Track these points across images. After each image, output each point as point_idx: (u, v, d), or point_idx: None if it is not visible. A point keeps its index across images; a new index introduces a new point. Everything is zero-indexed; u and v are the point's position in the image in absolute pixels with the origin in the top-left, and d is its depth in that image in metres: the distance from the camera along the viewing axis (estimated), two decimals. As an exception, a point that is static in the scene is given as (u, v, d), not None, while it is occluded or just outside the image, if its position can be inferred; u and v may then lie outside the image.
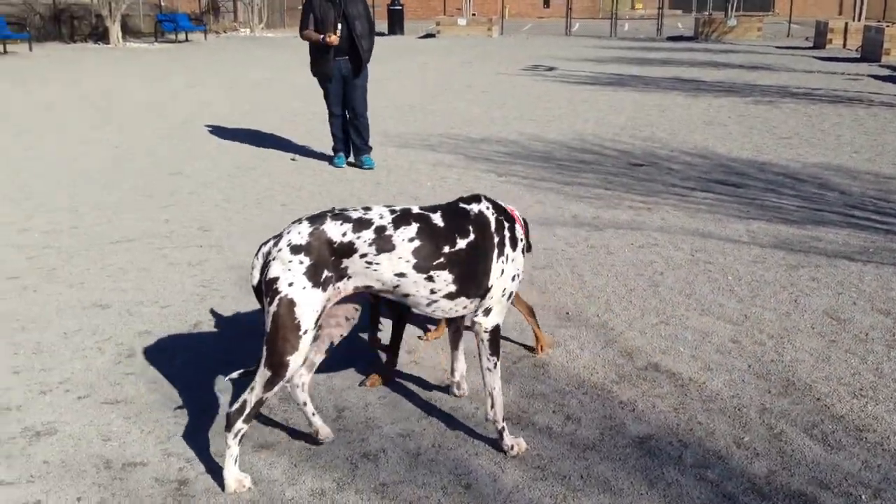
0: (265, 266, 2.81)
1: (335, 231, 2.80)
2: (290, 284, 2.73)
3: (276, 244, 2.81)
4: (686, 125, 10.81)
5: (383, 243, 2.83)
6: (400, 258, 2.85)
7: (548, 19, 45.77)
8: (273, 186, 7.38)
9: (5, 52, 20.77)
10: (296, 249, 2.76)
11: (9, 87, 14.17)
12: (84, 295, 4.67)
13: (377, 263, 2.83)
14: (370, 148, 8.34)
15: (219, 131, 10.15)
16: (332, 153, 8.44)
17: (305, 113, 11.76)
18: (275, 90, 14.62)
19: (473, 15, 35.02)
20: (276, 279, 2.75)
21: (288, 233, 2.81)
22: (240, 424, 2.81)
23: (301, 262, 2.75)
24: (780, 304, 4.59)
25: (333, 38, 7.66)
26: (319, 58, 7.96)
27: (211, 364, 3.80)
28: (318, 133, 10.00)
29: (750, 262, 5.28)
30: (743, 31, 29.69)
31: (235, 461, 2.85)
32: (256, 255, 2.87)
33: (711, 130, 10.39)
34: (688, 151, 9.02)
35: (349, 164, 8.34)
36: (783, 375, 3.72)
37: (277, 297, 2.74)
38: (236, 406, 2.83)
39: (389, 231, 2.85)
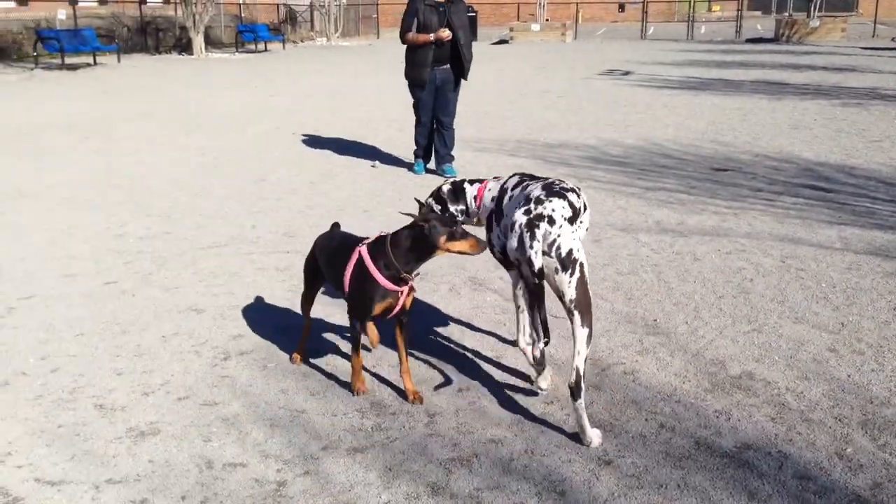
0: (553, 242, 3.11)
1: (575, 200, 3.32)
2: (579, 251, 3.16)
3: (550, 222, 3.13)
4: (770, 129, 10.55)
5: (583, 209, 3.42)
6: (582, 222, 3.40)
7: (622, 23, 45.29)
8: (355, 193, 7.49)
9: (95, 63, 21.59)
10: (570, 221, 3.19)
11: (101, 98, 14.73)
12: (179, 299, 4.82)
13: (582, 223, 3.40)
14: (453, 157, 8.36)
15: (300, 139, 10.35)
16: (412, 159, 8.50)
17: (384, 120, 11.90)
18: (352, 98, 14.84)
19: (547, 20, 34.90)
20: (571, 251, 3.12)
21: (553, 210, 3.16)
22: (582, 389, 3.11)
23: (573, 232, 3.19)
24: (879, 312, 4.44)
25: (447, 33, 7.60)
26: (416, 63, 7.90)
27: (301, 368, 3.88)
28: (397, 140, 10.11)
29: (844, 269, 5.13)
30: (826, 31, 28.85)
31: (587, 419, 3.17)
32: (534, 237, 3.10)
33: (797, 134, 10.12)
34: (773, 156, 8.80)
35: (429, 170, 8.40)
36: (885, 386, 3.59)
37: (578, 265, 3.13)
38: (573, 377, 3.11)
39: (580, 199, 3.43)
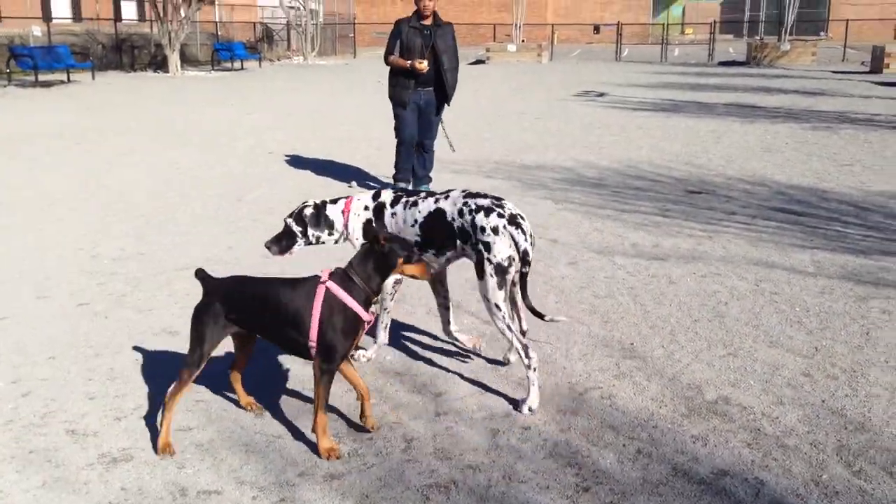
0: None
1: None
2: None
3: (522, 219, 3.71)
4: (743, 152, 10.69)
5: None
6: None
7: (597, 45, 45.76)
8: (332, 213, 7.46)
9: (69, 80, 21.43)
10: None
11: (74, 116, 14.61)
12: (153, 321, 4.77)
13: None
14: (430, 179, 8.34)
15: (277, 158, 10.32)
16: (391, 181, 8.46)
17: (363, 139, 11.91)
18: (331, 116, 14.84)
19: (523, 41, 35.16)
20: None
21: (513, 209, 3.74)
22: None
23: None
24: (852, 336, 4.49)
25: (423, 66, 7.55)
26: (399, 84, 7.85)
27: (280, 390, 3.84)
28: (375, 159, 10.12)
29: (817, 293, 5.19)
30: (796, 55, 29.33)
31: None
32: (524, 231, 3.66)
33: (769, 157, 10.26)
34: (746, 179, 8.91)
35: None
36: (859, 411, 3.63)
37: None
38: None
39: None
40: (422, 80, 7.78)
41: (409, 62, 7.64)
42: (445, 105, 8.07)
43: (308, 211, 4.01)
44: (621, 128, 13.16)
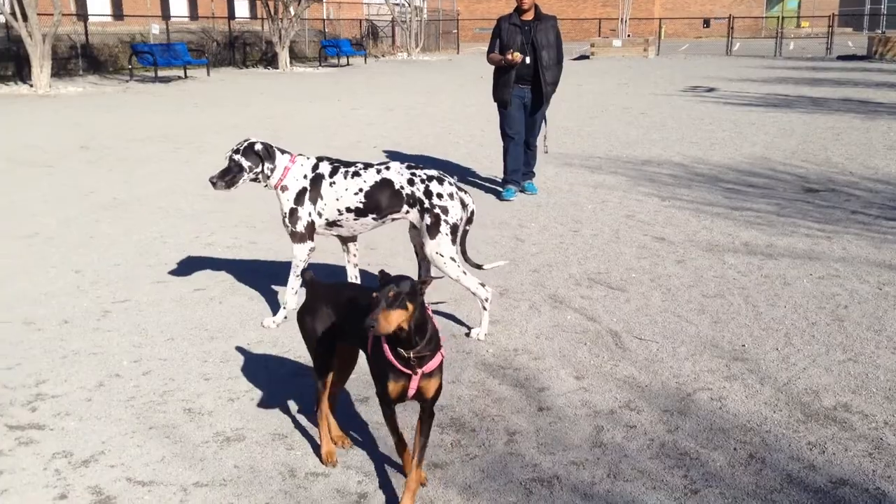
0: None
1: None
2: None
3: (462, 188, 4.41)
4: (864, 149, 10.19)
5: None
6: None
7: (707, 39, 44.52)
8: (436, 207, 7.52)
9: (186, 76, 22.32)
10: None
11: (191, 110, 15.20)
12: (263, 308, 4.91)
13: None
14: (534, 174, 8.18)
15: (381, 152, 10.46)
16: (492, 175, 8.43)
17: (464, 135, 11.95)
18: (432, 112, 14.96)
19: (629, 36, 34.56)
20: None
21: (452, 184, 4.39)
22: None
23: None
24: (985, 345, 4.21)
25: (516, 56, 7.37)
26: (500, 82, 7.68)
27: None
28: (478, 155, 10.13)
29: (946, 299, 4.89)
30: (923, 48, 27.76)
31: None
32: (467, 193, 4.42)
33: (894, 155, 9.74)
34: (869, 177, 8.49)
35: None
36: None
37: None
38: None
39: None
40: (522, 77, 7.59)
41: (503, 56, 7.49)
42: (547, 102, 7.81)
43: (258, 147, 4.43)
44: (733, 123, 12.76)
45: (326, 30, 34.70)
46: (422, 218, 4.38)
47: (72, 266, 5.72)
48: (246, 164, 4.43)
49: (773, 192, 7.92)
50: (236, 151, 4.46)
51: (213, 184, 4.46)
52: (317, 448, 3.28)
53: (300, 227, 4.48)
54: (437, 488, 3.02)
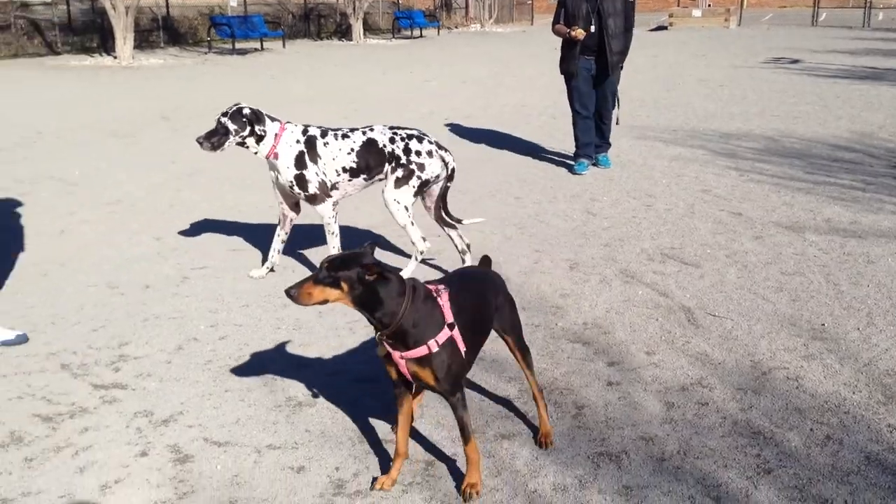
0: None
1: None
2: None
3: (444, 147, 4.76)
4: (958, 123, 9.72)
5: None
6: None
7: (791, 8, 42.97)
8: (507, 179, 7.49)
9: (262, 48, 22.63)
10: None
11: (267, 82, 15.43)
12: (336, 277, 4.97)
13: None
14: (608, 145, 7.97)
15: (454, 124, 10.45)
16: (565, 149, 8.32)
17: (537, 107, 11.84)
18: (506, 84, 14.84)
19: (709, 5, 33.60)
20: None
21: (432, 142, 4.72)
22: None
23: None
24: None
25: (578, 33, 7.19)
26: (566, 54, 7.48)
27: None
28: (549, 127, 10.04)
29: None
30: None
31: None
32: (448, 152, 4.75)
33: None
34: (961, 153, 8.11)
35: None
36: None
37: None
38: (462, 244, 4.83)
39: None
40: (587, 48, 7.32)
41: (568, 31, 7.28)
42: (618, 72, 7.57)
43: (247, 111, 4.55)
44: (817, 96, 12.32)
45: (400, 1, 34.68)
46: (393, 172, 4.67)
47: (153, 233, 5.90)
48: (232, 126, 4.54)
49: (859, 167, 7.63)
50: (224, 114, 4.57)
51: (200, 144, 4.57)
52: (386, 413, 3.32)
53: (313, 188, 4.66)
54: (503, 459, 3.04)
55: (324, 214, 4.77)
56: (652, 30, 31.15)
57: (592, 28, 7.26)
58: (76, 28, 21.81)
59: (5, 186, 7.13)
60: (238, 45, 22.33)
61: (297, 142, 4.64)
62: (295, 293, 2.55)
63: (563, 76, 7.70)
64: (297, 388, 3.58)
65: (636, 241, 5.59)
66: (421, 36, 29.53)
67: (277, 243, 5.03)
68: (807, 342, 3.95)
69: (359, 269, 2.56)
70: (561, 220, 6.12)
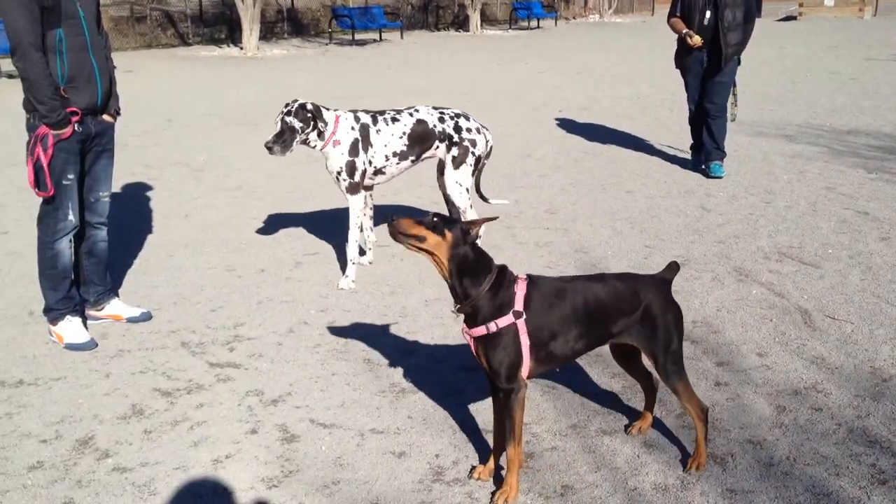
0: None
1: None
2: None
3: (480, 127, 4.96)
4: None
5: None
6: None
7: (934, -4, 40.30)
8: (619, 172, 7.37)
9: (381, 39, 23.01)
10: None
11: (384, 73, 15.69)
12: (443, 266, 5.03)
13: None
14: (723, 154, 7.18)
15: (568, 116, 10.35)
16: (678, 143, 7.87)
17: (654, 98, 11.58)
18: (623, 75, 14.58)
19: (843, -6, 31.93)
20: None
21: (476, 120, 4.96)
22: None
23: None
24: None
25: (695, 41, 6.80)
26: (679, 49, 7.18)
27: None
28: (665, 120, 9.81)
29: None
30: None
31: None
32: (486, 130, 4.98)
33: None
34: None
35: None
36: None
37: None
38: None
39: None
40: (702, 39, 6.84)
41: (684, 30, 6.88)
42: (735, 66, 7.02)
43: (310, 105, 4.55)
44: (958, 90, 11.56)
45: (517, -8, 34.51)
46: (448, 151, 4.87)
47: (270, 218, 6.12)
48: (298, 125, 4.53)
49: None
50: (287, 113, 4.53)
51: (269, 149, 4.53)
52: (487, 405, 3.35)
53: (357, 177, 4.72)
54: (604, 455, 3.01)
55: (355, 206, 4.79)
56: (780, 20, 29.90)
57: (707, 17, 6.80)
58: (206, 20, 22.80)
59: (137, 171, 7.54)
60: (358, 36, 22.78)
61: (353, 129, 4.68)
62: (397, 222, 2.57)
63: (678, 70, 7.40)
64: (402, 375, 3.65)
65: (752, 239, 5.41)
66: (538, 27, 29.32)
67: (366, 222, 5.08)
68: (934, 351, 3.74)
69: (463, 227, 2.61)
70: (674, 216, 5.99)
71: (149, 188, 6.97)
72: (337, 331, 4.12)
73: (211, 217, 6.20)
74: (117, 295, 4.38)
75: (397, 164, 4.85)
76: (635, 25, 30.30)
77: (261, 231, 5.82)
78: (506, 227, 5.78)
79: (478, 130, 4.94)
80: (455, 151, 4.87)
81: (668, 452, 3.01)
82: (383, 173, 4.87)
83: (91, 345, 3.93)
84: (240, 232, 5.82)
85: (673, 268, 2.97)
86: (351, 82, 14.21)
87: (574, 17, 34.54)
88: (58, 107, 3.64)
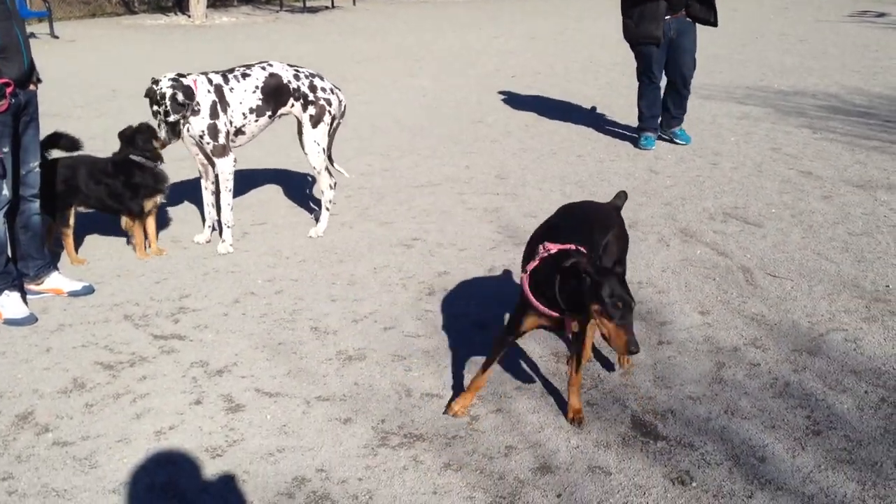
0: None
1: None
2: None
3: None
4: None
5: None
6: None
7: (882, -43, 40.80)
8: (570, 137, 7.39)
9: (333, 6, 22.66)
10: None
11: (335, 40, 15.47)
12: (392, 233, 5.02)
13: None
14: (683, 120, 6.99)
15: (521, 81, 10.32)
16: (636, 130, 7.09)
17: (606, 63, 11.60)
18: (575, 40, 14.56)
19: (793, -44, 32.15)
20: None
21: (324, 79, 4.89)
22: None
23: None
24: None
25: None
26: (645, 17, 6.46)
27: (502, 307, 3.92)
28: (617, 84, 9.84)
29: None
30: None
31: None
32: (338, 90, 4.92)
33: None
34: None
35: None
36: None
37: None
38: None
39: None
40: (674, 5, 6.48)
41: None
42: (710, 26, 6.70)
43: (177, 93, 4.39)
44: (901, 50, 11.75)
45: (471, -43, 34.16)
46: (305, 110, 4.80)
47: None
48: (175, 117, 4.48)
49: (941, 124, 7.28)
50: (160, 98, 4.42)
51: (168, 142, 4.62)
52: (434, 370, 3.37)
53: (222, 138, 4.65)
54: (548, 415, 3.05)
55: (224, 170, 4.73)
56: (731, -18, 30.02)
57: None
58: (152, -12, 22.22)
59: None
60: (309, 3, 22.40)
61: (209, 91, 4.57)
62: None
63: (632, 43, 6.74)
64: (349, 342, 3.64)
65: (698, 201, 5.48)
66: (491, -8, 29.09)
67: (208, 197, 4.99)
68: (869, 304, 3.83)
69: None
70: (622, 179, 6.03)
71: (92, 161, 6.81)
72: (283, 300, 4.10)
73: (157, 189, 6.08)
74: (57, 269, 4.29)
75: (255, 121, 4.74)
76: (589, -10, 30.21)
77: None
78: (456, 193, 5.78)
79: (332, 90, 4.88)
80: (312, 110, 4.80)
81: (610, 411, 3.06)
82: (243, 133, 4.76)
83: (31, 319, 3.86)
84: (185, 203, 5.73)
85: (622, 196, 3.39)
86: (301, 49, 13.99)
87: (528, -18, 34.30)
88: None
